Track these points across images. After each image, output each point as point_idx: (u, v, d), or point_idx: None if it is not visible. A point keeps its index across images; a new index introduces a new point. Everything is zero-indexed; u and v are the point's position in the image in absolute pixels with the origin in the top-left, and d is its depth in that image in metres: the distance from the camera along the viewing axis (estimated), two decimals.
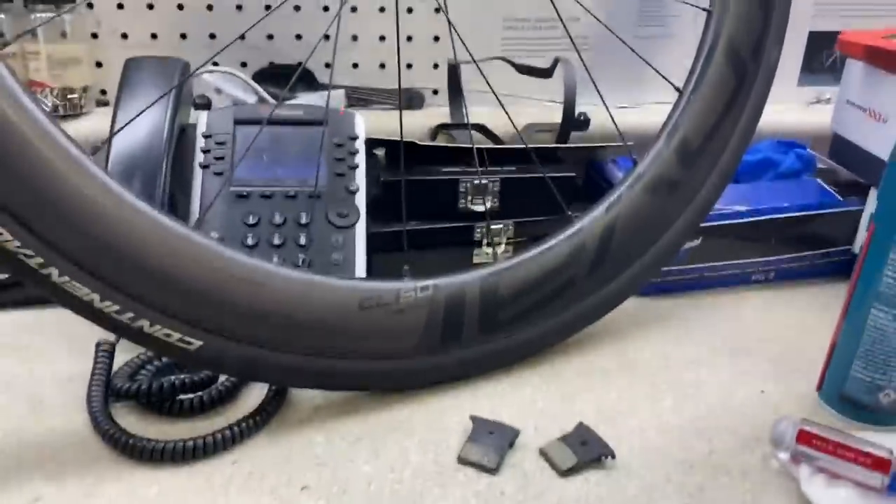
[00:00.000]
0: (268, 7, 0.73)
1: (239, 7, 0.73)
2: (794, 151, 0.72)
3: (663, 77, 0.61)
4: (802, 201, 0.66)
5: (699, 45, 0.60)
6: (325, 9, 0.74)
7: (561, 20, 0.59)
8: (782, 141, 0.75)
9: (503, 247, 0.65)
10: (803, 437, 0.44)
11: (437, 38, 0.76)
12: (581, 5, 0.61)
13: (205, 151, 0.60)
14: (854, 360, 0.49)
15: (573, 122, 0.69)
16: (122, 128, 0.54)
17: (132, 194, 0.43)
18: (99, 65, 0.74)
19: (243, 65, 0.75)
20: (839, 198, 0.67)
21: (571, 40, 0.60)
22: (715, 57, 0.59)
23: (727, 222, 0.64)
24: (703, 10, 0.60)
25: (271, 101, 0.71)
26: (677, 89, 0.60)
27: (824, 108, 0.82)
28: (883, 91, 0.63)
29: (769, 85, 0.61)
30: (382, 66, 0.78)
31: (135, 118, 0.54)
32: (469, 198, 0.64)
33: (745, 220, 0.64)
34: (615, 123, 0.64)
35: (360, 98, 0.76)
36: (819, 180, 0.69)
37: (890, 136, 0.62)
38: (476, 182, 0.63)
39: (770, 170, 0.72)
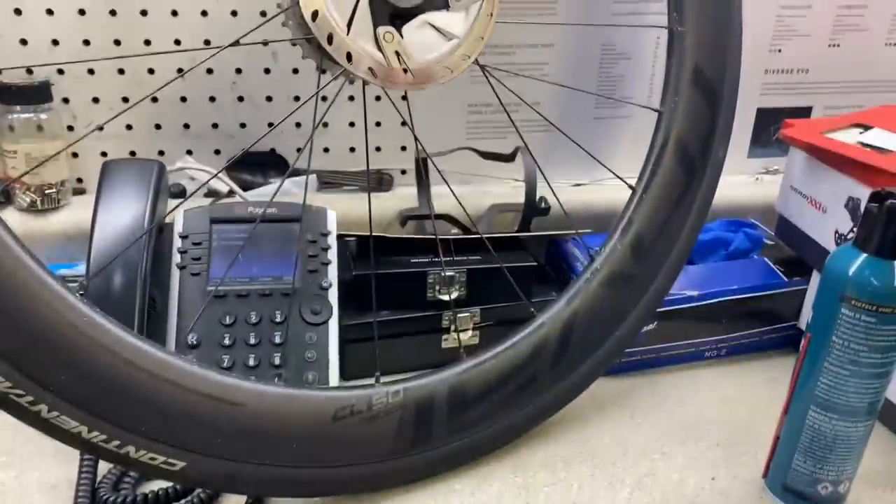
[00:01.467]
0: (241, 98, 0.76)
1: (212, 98, 0.76)
2: (742, 231, 0.77)
3: (615, 174, 0.64)
4: (750, 283, 0.70)
5: (650, 144, 0.64)
6: (296, 98, 0.77)
7: (506, 111, 0.62)
8: (732, 220, 0.79)
9: (470, 332, 0.68)
10: None
11: (403, 123, 0.79)
12: (529, 106, 0.65)
13: (182, 252, 0.63)
14: (795, 455, 0.53)
15: (534, 209, 0.73)
16: (98, 271, 0.56)
17: (114, 323, 0.46)
18: (75, 155, 0.76)
19: (217, 152, 0.78)
20: (785, 278, 0.71)
21: (517, 130, 0.63)
22: (665, 156, 0.63)
23: (680, 307, 0.68)
24: (654, 110, 0.64)
25: (243, 194, 0.74)
26: (630, 186, 0.63)
27: (773, 180, 0.86)
28: (822, 183, 0.67)
29: (717, 179, 0.65)
30: (352, 149, 0.81)
31: (114, 260, 0.57)
32: (437, 288, 0.67)
33: (697, 303, 0.68)
34: (566, 213, 0.68)
35: (330, 181, 0.79)
36: (766, 259, 0.74)
37: (829, 226, 0.67)
38: (443, 274, 0.66)
39: (721, 248, 0.76)
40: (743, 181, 0.89)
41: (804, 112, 0.89)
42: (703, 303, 0.68)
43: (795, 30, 0.84)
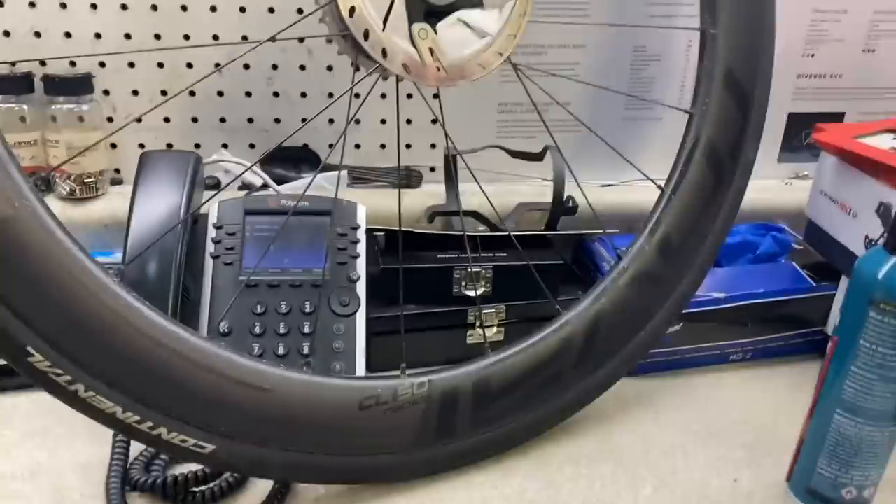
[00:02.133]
0: (276, 94, 0.78)
1: (248, 94, 0.78)
2: (771, 234, 0.76)
3: (644, 175, 0.65)
4: (777, 287, 0.70)
5: (680, 145, 0.64)
6: (330, 95, 0.78)
7: (537, 110, 0.62)
8: (759, 224, 0.79)
9: (495, 329, 0.69)
10: None
11: (433, 121, 0.80)
12: (560, 105, 0.65)
13: (216, 242, 0.64)
14: (819, 458, 0.53)
15: (562, 208, 0.73)
16: (134, 258, 0.58)
17: (150, 308, 0.47)
18: (114, 146, 0.78)
19: (251, 146, 0.80)
20: (812, 282, 0.71)
21: (548, 129, 0.64)
22: (695, 157, 0.63)
23: (706, 309, 0.68)
24: (685, 111, 0.64)
25: (276, 187, 0.75)
26: (659, 187, 0.64)
27: (803, 185, 0.86)
28: (853, 187, 0.67)
29: (746, 182, 0.65)
30: (383, 146, 0.82)
31: (149, 248, 0.58)
32: (463, 284, 0.68)
33: (724, 305, 0.68)
34: (594, 212, 0.68)
35: (361, 177, 0.80)
36: (794, 263, 0.73)
37: (859, 231, 0.66)
38: (469, 270, 0.67)
39: (748, 251, 0.76)
40: (772, 185, 0.88)
41: (837, 117, 0.88)
42: (730, 305, 0.68)
43: (829, 34, 0.84)
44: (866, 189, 0.65)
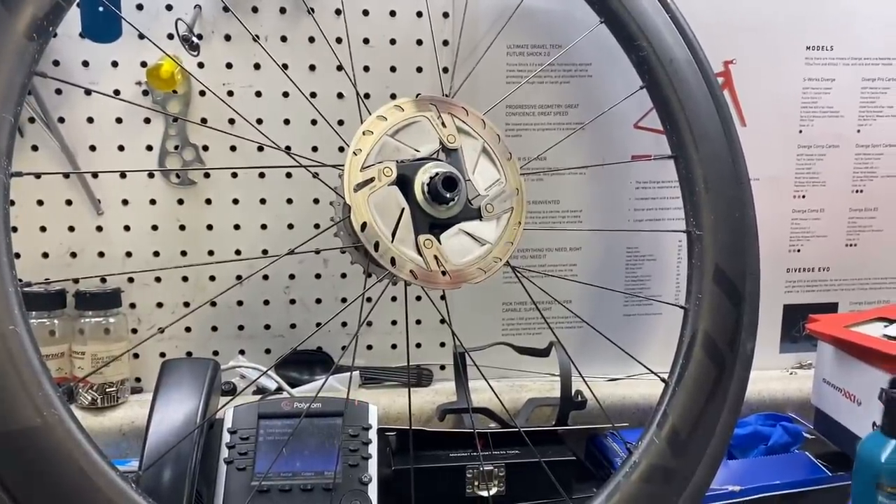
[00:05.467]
0: (292, 301, 0.82)
1: (266, 302, 0.82)
2: (780, 424, 0.77)
3: (647, 368, 0.67)
4: (793, 478, 0.69)
5: (679, 339, 0.66)
6: (343, 300, 0.82)
7: (537, 308, 0.66)
8: (769, 414, 0.79)
9: None
10: None
11: (442, 321, 0.84)
12: (560, 303, 0.69)
13: (230, 447, 0.65)
14: None
15: (571, 402, 0.74)
16: (151, 465, 0.59)
17: None
18: (136, 356, 0.81)
19: (267, 351, 0.83)
20: (828, 472, 0.70)
21: (549, 327, 0.67)
22: (694, 350, 0.65)
23: (723, 503, 0.67)
24: (680, 307, 0.67)
25: (290, 390, 0.77)
26: (663, 380, 0.65)
27: (807, 374, 0.87)
28: (854, 375, 0.68)
29: (748, 372, 0.67)
30: (394, 346, 0.85)
31: (166, 454, 0.60)
32: (476, 483, 0.68)
33: (740, 499, 0.67)
34: (601, 407, 0.70)
35: (373, 377, 0.83)
36: (808, 454, 0.73)
37: (867, 418, 0.67)
38: (481, 468, 0.67)
39: (760, 442, 0.76)
40: (777, 376, 0.90)
41: (830, 308, 0.91)
42: (746, 498, 0.67)
43: (812, 231, 0.89)
44: (866, 376, 0.67)
